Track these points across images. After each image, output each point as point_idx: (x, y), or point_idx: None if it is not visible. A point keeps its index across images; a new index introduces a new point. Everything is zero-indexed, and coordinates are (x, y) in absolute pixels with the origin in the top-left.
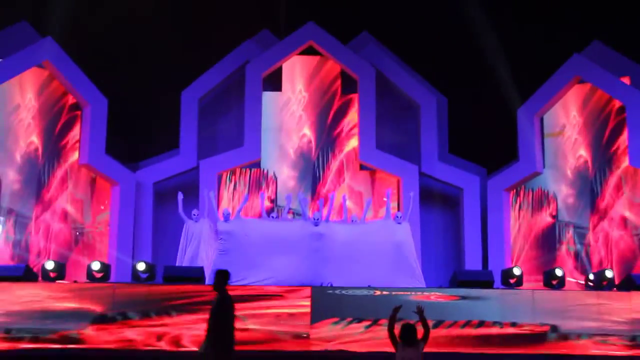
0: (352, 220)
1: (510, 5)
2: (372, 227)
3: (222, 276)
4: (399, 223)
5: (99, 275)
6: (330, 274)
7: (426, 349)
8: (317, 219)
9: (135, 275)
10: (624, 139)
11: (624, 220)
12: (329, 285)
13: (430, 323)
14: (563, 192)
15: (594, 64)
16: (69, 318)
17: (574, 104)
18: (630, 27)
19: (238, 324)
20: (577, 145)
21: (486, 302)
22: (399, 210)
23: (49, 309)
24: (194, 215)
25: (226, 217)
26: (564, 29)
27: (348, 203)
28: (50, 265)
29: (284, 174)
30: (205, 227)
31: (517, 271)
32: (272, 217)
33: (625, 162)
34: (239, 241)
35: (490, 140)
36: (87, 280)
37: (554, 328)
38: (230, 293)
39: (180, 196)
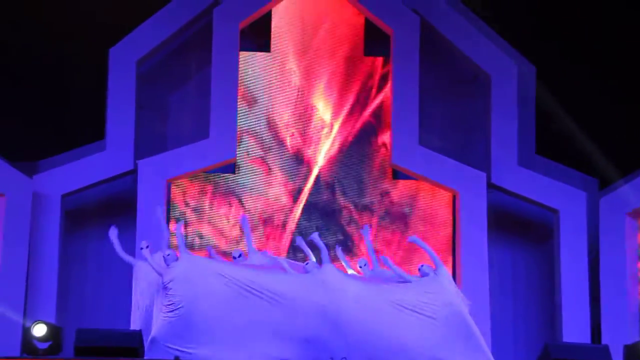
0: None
1: None
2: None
3: None
4: (425, 274)
5: None
6: (343, 345)
7: None
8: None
9: (29, 344)
10: None
11: None
12: None
13: None
14: None
15: None
16: None
17: None
18: None
19: None
20: None
21: None
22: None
23: None
24: (143, 248)
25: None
26: None
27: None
28: None
29: (274, 185)
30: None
31: None
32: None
33: None
34: (196, 295)
35: (605, 134)
36: None
37: None
38: None
39: (113, 233)
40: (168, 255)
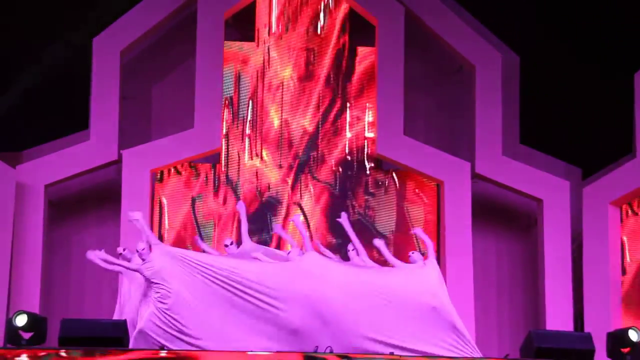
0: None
1: None
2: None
3: None
4: (414, 262)
5: None
6: (327, 334)
7: None
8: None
9: (13, 334)
10: None
11: None
12: (328, 350)
13: None
14: None
15: None
16: None
17: None
18: None
19: None
20: None
21: None
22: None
23: None
24: (121, 253)
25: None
26: None
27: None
28: None
29: (260, 175)
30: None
31: (634, 335)
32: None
33: None
34: (179, 285)
35: (588, 124)
36: None
37: None
38: None
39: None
40: (142, 249)
